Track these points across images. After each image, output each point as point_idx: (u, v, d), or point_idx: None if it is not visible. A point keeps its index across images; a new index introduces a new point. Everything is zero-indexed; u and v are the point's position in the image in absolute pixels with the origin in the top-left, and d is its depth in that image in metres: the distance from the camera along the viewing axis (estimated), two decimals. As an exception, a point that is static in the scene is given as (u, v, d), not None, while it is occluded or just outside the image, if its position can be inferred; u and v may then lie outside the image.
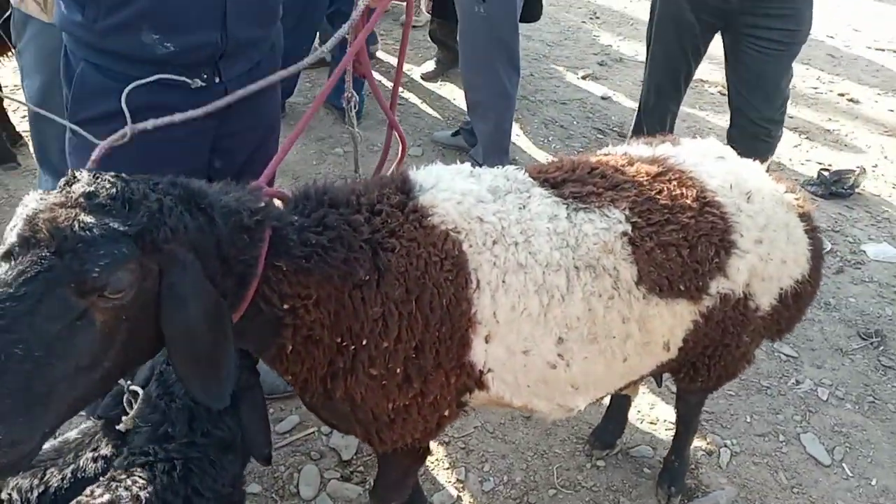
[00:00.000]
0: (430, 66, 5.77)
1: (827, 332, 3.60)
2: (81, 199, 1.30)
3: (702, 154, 2.05)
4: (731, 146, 2.26)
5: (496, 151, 4.35)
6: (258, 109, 2.24)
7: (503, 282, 1.72)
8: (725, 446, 2.96)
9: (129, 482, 1.58)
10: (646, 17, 4.05)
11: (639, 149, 2.09)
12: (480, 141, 4.53)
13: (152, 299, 1.36)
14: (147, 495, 1.56)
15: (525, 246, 1.74)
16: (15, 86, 4.47)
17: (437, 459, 2.81)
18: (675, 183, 1.89)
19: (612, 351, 1.87)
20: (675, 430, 2.71)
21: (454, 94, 5.50)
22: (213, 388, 1.48)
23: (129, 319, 1.34)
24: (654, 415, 3.09)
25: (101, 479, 1.63)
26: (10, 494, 1.69)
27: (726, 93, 3.88)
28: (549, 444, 2.91)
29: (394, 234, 1.69)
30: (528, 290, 1.73)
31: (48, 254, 1.24)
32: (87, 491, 1.61)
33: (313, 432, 2.88)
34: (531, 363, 1.82)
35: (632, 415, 2.96)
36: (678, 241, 1.84)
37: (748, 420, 3.09)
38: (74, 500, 1.59)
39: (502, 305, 1.73)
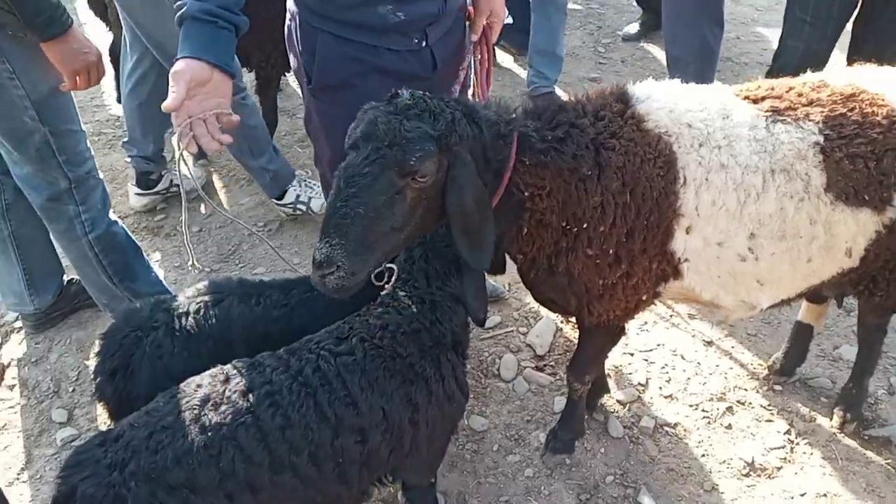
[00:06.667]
0: (634, 27, 6.02)
1: None
2: (404, 109, 1.84)
3: (893, 80, 2.22)
4: None
5: None
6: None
7: (706, 179, 2.05)
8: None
9: (395, 304, 2.16)
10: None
11: (834, 74, 2.30)
12: None
13: (441, 186, 1.89)
14: (409, 313, 2.13)
15: (727, 149, 2.05)
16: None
17: (621, 365, 3.18)
18: (866, 102, 2.11)
19: (798, 250, 2.13)
20: (855, 357, 2.84)
21: (656, 53, 5.75)
22: (477, 253, 1.99)
23: (426, 199, 1.88)
24: (836, 354, 3.22)
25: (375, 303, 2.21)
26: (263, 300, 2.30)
27: None
28: (730, 365, 3.17)
29: (614, 136, 2.06)
30: (728, 187, 2.05)
31: (383, 146, 1.79)
32: (364, 309, 2.18)
33: (512, 330, 3.37)
34: (724, 255, 2.14)
35: (814, 351, 3.12)
36: (866, 154, 2.06)
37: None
38: (366, 307, 2.17)
39: (704, 200, 2.06)
